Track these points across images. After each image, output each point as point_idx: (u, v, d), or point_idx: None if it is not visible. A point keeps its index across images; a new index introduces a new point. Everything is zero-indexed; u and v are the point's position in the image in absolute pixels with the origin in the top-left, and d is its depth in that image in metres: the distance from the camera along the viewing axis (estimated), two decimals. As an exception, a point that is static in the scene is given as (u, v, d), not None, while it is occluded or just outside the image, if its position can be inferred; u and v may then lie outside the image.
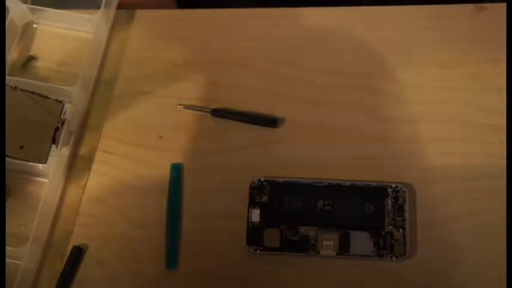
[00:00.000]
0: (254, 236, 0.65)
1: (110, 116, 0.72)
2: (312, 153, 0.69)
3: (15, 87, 0.68)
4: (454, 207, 0.66)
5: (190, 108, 0.71)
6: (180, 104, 0.72)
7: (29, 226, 0.65)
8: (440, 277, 0.64)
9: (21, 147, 0.67)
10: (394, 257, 0.64)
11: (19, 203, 0.68)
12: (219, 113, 0.71)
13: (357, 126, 0.70)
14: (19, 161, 0.67)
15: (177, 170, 0.69)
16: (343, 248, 0.64)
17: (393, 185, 0.66)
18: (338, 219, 0.65)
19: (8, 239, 0.63)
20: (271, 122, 0.70)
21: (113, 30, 0.77)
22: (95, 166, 0.70)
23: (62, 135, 0.68)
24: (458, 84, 0.71)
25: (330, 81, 0.72)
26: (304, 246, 0.65)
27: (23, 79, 0.70)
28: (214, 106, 0.71)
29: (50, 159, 0.67)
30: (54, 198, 0.68)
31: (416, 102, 0.70)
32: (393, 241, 0.64)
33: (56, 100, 0.69)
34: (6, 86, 0.68)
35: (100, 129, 0.72)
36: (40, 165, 0.67)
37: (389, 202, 0.66)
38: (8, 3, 0.73)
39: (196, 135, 0.71)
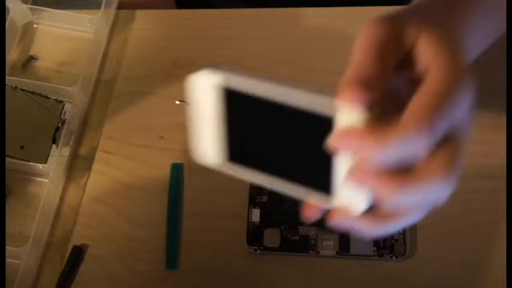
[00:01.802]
0: (254, 236, 0.65)
1: (110, 116, 0.73)
2: (312, 153, 0.69)
3: (16, 87, 0.68)
4: (454, 207, 0.66)
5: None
6: (181, 100, 0.72)
7: (29, 226, 0.65)
8: (440, 277, 0.64)
9: (22, 147, 0.67)
10: (394, 257, 0.64)
11: (19, 203, 0.69)
12: None
13: (357, 126, 0.70)
14: (19, 161, 0.67)
15: (177, 170, 0.69)
16: (343, 248, 0.64)
17: (393, 185, 0.66)
18: (338, 219, 0.65)
19: (8, 239, 0.63)
20: None
21: (113, 30, 0.77)
22: (95, 166, 0.70)
23: (62, 135, 0.68)
24: (458, 84, 0.71)
25: (330, 81, 0.72)
26: (304, 246, 0.65)
27: (23, 79, 0.70)
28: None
29: (50, 159, 0.67)
30: (55, 198, 0.68)
31: (417, 102, 0.70)
32: (393, 241, 0.64)
33: (56, 100, 0.69)
34: (6, 86, 0.68)
35: (100, 129, 0.72)
36: (40, 165, 0.67)
37: (389, 202, 0.65)
38: (8, 3, 0.73)
39: (196, 135, 0.71)
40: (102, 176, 0.70)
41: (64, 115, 0.69)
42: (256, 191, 0.67)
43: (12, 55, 0.75)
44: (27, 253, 0.63)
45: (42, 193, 0.66)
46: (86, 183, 0.70)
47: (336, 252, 0.64)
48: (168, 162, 0.69)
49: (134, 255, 0.66)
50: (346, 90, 0.36)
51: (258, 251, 0.65)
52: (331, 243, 0.65)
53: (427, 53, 0.39)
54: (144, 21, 0.77)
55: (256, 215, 0.66)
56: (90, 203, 0.69)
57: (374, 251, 0.64)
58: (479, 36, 0.47)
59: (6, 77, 0.70)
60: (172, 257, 0.66)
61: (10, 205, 0.68)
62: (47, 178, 0.67)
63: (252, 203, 0.67)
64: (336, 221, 0.41)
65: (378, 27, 0.39)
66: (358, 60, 0.39)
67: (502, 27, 0.50)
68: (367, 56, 0.38)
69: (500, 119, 0.68)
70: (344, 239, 0.65)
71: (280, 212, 0.66)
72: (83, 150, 0.71)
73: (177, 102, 0.72)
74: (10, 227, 0.66)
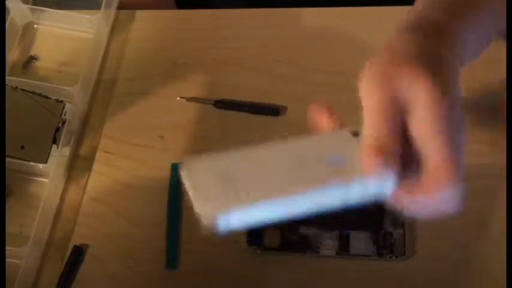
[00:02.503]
0: (254, 236, 0.65)
1: (110, 116, 0.73)
2: (312, 153, 0.69)
3: (16, 88, 0.68)
4: (454, 207, 0.66)
5: (192, 101, 0.72)
6: (182, 97, 0.72)
7: (30, 226, 0.65)
8: (440, 277, 0.64)
9: (22, 147, 0.67)
10: (394, 257, 0.64)
11: (19, 203, 0.69)
12: (222, 105, 0.71)
13: (357, 126, 0.70)
14: (20, 161, 0.67)
15: (177, 170, 0.69)
16: (343, 248, 0.64)
17: (393, 185, 0.66)
18: (338, 219, 0.65)
19: (8, 239, 0.63)
20: (273, 110, 0.70)
21: (113, 30, 0.77)
22: (95, 166, 0.70)
23: (63, 135, 0.68)
24: (458, 84, 0.71)
25: (330, 81, 0.72)
26: (304, 246, 0.65)
27: (23, 79, 0.70)
28: (215, 106, 0.72)
29: (51, 159, 0.67)
30: (55, 198, 0.69)
31: (417, 102, 0.70)
32: (393, 241, 0.64)
33: (57, 100, 0.69)
34: (6, 86, 0.68)
35: (100, 129, 0.72)
36: (41, 165, 0.67)
37: (389, 202, 0.65)
38: (8, 4, 0.73)
39: (196, 135, 0.71)
40: (102, 176, 0.70)
41: (64, 115, 0.69)
42: (256, 191, 0.67)
43: (12, 55, 0.75)
44: (28, 253, 0.63)
45: (43, 193, 0.66)
46: (86, 183, 0.70)
47: (336, 252, 0.64)
48: (168, 162, 0.70)
49: (134, 255, 0.66)
50: (370, 159, 0.41)
51: (258, 251, 0.65)
52: (331, 243, 0.65)
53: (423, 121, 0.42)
54: (144, 21, 0.77)
55: (256, 215, 0.66)
56: (90, 203, 0.69)
57: (374, 251, 0.64)
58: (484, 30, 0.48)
59: (7, 77, 0.70)
60: (172, 257, 0.66)
61: (10, 205, 0.68)
62: (47, 178, 0.67)
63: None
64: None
65: (378, 90, 0.42)
66: (372, 128, 0.43)
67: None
68: (379, 123, 0.42)
69: (500, 119, 0.68)
70: (344, 239, 0.65)
71: (280, 212, 0.66)
72: (83, 150, 0.71)
73: (178, 98, 0.72)
74: (10, 227, 0.66)
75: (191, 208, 0.68)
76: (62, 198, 0.69)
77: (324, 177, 0.41)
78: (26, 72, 0.75)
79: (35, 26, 0.77)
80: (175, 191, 0.68)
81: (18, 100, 0.68)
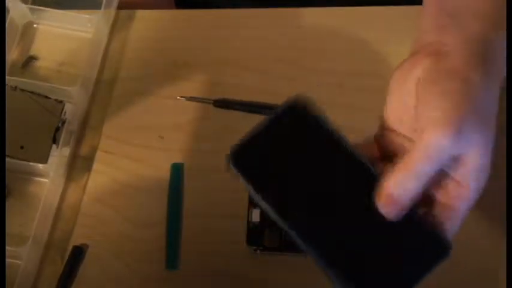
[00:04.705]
0: (254, 236, 0.65)
1: (110, 116, 0.73)
2: (312, 153, 0.69)
3: (16, 88, 0.68)
4: (454, 207, 0.66)
5: (191, 100, 0.72)
6: (181, 96, 0.72)
7: (29, 226, 0.65)
8: (440, 277, 0.64)
9: (22, 147, 0.67)
10: (394, 257, 0.64)
11: (19, 203, 0.69)
12: (222, 104, 0.71)
13: (357, 126, 0.70)
14: (19, 161, 0.67)
15: (177, 170, 0.69)
16: (343, 248, 0.64)
17: (393, 185, 0.66)
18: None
19: (8, 239, 0.63)
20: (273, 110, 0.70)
21: (113, 30, 0.77)
22: (95, 166, 0.70)
23: (63, 135, 0.68)
24: (458, 84, 0.70)
25: (330, 81, 0.72)
26: (304, 246, 0.65)
27: (23, 79, 0.70)
28: (214, 106, 0.72)
29: (51, 159, 0.67)
30: (55, 198, 0.68)
31: (417, 102, 0.70)
32: (393, 241, 0.64)
33: (56, 100, 0.69)
34: (6, 86, 0.68)
35: (100, 129, 0.72)
36: (40, 165, 0.67)
37: (390, 202, 0.65)
38: (8, 3, 0.73)
39: (196, 135, 0.71)
40: (102, 176, 0.70)
41: (64, 115, 0.69)
42: (256, 191, 0.67)
43: (12, 55, 0.75)
44: (27, 253, 0.63)
45: (42, 193, 0.66)
46: (86, 183, 0.70)
47: (336, 252, 0.64)
48: (168, 162, 0.70)
49: (134, 255, 0.66)
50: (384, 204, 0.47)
51: (258, 251, 0.65)
52: (331, 243, 0.65)
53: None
54: (144, 21, 0.77)
55: (256, 215, 0.66)
56: (90, 203, 0.69)
57: (374, 251, 0.64)
58: None
59: (6, 77, 0.69)
60: (172, 257, 0.66)
61: (10, 205, 0.68)
62: (47, 178, 0.67)
63: (252, 203, 0.66)
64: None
65: (443, 139, 0.45)
66: (411, 166, 0.46)
67: None
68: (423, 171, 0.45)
69: (500, 119, 0.68)
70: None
71: (280, 212, 0.66)
72: (83, 150, 0.71)
73: (178, 97, 0.72)
74: (10, 227, 0.66)
75: (191, 208, 0.68)
76: (62, 198, 0.69)
77: None
78: (26, 72, 0.74)
79: (35, 25, 0.77)
80: (175, 191, 0.68)
81: (18, 100, 0.68)
